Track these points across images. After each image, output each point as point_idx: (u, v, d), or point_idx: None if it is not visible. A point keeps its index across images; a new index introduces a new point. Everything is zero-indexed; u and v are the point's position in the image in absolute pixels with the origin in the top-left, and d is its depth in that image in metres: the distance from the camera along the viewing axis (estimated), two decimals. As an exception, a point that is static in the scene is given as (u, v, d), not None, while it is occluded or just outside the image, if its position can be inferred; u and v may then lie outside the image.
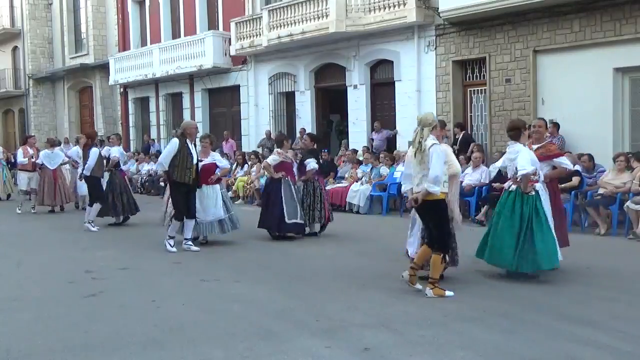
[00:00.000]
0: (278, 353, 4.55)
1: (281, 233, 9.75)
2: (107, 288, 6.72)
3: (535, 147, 7.21)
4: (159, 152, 17.77)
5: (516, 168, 6.56)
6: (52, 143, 14.78)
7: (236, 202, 15.59)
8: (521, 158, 6.54)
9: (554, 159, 7.25)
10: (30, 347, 4.79)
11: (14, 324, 5.43)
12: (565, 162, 7.35)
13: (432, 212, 6.14)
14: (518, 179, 6.57)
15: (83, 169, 11.55)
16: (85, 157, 11.48)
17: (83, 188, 12.29)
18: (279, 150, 10.03)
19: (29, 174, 14.67)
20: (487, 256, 6.79)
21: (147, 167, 19.75)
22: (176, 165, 8.76)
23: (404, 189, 6.52)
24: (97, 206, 11.33)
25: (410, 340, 4.79)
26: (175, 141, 8.86)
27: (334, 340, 4.81)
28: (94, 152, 11.44)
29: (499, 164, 7.16)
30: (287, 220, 9.58)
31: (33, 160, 14.64)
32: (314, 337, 4.90)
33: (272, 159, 9.94)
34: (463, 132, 13.88)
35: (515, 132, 6.73)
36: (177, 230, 9.04)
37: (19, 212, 14.36)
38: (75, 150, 12.77)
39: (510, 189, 6.77)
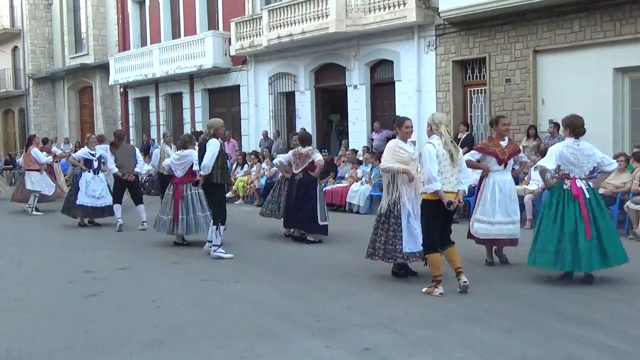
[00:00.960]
0: (278, 353, 4.56)
1: (310, 233, 9.43)
2: (107, 288, 6.72)
3: (504, 143, 7.58)
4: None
5: (598, 164, 6.57)
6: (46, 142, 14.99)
7: (236, 202, 15.61)
8: (602, 153, 6.63)
9: (519, 154, 7.92)
10: (30, 347, 4.79)
11: (14, 324, 5.43)
12: (524, 156, 8.27)
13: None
14: (603, 174, 6.75)
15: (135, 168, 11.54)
16: (126, 155, 11.31)
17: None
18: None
19: (39, 174, 14.30)
20: (612, 261, 6.42)
21: (147, 167, 19.72)
22: (218, 167, 8.40)
23: (437, 187, 5.98)
24: (143, 206, 11.42)
25: (410, 340, 4.79)
26: (216, 142, 8.41)
27: (334, 340, 4.81)
28: (138, 151, 11.70)
29: (545, 162, 6.58)
30: (319, 222, 9.32)
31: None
32: (314, 337, 4.90)
33: (285, 157, 9.80)
34: (467, 132, 13.86)
35: (583, 129, 6.61)
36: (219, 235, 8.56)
37: (40, 213, 14.11)
38: (106, 148, 12.45)
39: (593, 188, 6.61)
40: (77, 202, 11.75)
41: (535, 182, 10.90)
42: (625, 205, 9.56)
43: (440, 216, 6.12)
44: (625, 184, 9.80)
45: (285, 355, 4.51)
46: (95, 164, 11.98)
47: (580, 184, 6.49)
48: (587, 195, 6.44)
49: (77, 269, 7.77)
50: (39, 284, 7.04)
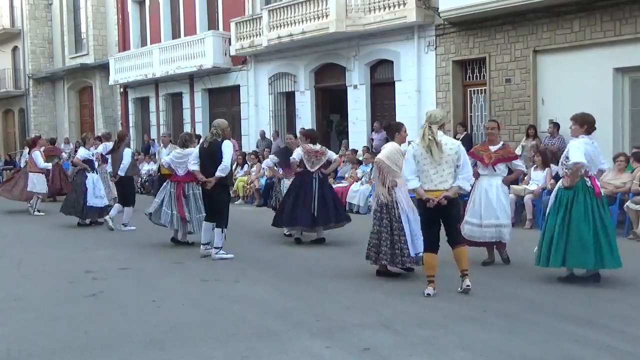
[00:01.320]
0: (278, 353, 4.56)
1: (343, 225, 9.53)
2: (107, 288, 6.72)
3: (493, 148, 7.53)
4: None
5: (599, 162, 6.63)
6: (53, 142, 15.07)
7: (236, 202, 15.60)
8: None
9: (513, 161, 7.67)
10: (30, 347, 4.79)
11: (14, 324, 5.43)
12: (520, 164, 7.87)
13: (455, 208, 6.23)
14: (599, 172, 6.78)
15: (115, 170, 11.45)
16: (118, 157, 11.32)
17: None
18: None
19: (42, 176, 14.31)
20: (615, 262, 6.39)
21: (147, 167, 19.74)
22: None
23: (412, 185, 6.16)
24: (130, 209, 11.32)
25: (410, 340, 4.79)
26: (231, 143, 8.39)
27: (334, 340, 4.81)
28: (128, 152, 11.52)
29: (579, 158, 6.34)
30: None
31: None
32: (314, 337, 4.90)
33: (297, 155, 9.47)
34: (465, 132, 13.86)
35: (595, 127, 6.65)
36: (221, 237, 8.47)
37: (42, 213, 14.05)
38: (103, 147, 12.60)
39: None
40: (88, 204, 11.83)
41: (535, 182, 10.91)
42: (625, 205, 9.56)
43: (430, 212, 6.07)
44: (625, 184, 9.80)
45: (285, 355, 4.51)
46: (96, 164, 12.09)
47: (597, 181, 6.54)
48: (603, 193, 6.52)
49: (77, 269, 7.77)
50: (39, 284, 7.04)
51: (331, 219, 9.34)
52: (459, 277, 6.15)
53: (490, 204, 7.36)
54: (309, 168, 9.27)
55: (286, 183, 10.02)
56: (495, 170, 7.47)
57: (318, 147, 9.44)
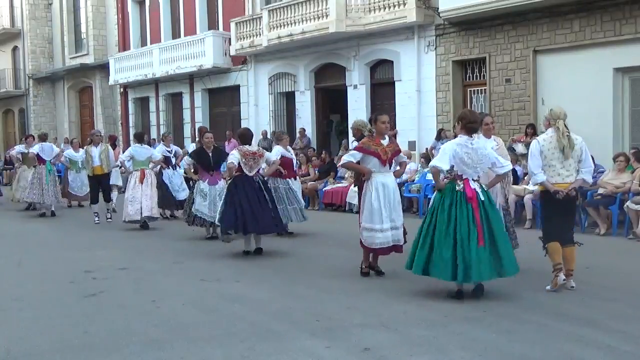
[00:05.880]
0: (278, 353, 4.55)
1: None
2: (107, 288, 6.72)
3: (385, 142, 7.05)
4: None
5: (492, 164, 6.22)
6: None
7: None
8: (496, 154, 6.62)
9: (399, 155, 7.31)
10: (30, 347, 4.79)
11: (14, 324, 5.44)
12: (405, 158, 7.86)
13: (576, 202, 6.54)
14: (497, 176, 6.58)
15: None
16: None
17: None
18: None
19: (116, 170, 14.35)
20: (507, 271, 5.96)
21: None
22: None
23: (540, 179, 6.22)
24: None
25: (410, 340, 4.79)
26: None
27: (334, 340, 4.81)
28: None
29: (438, 162, 6.00)
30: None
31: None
32: (314, 337, 4.90)
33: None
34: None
35: (477, 125, 6.25)
36: None
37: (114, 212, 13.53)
38: (161, 149, 12.73)
39: (486, 189, 6.24)
40: (177, 198, 12.38)
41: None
42: (625, 205, 9.56)
43: (556, 205, 6.25)
44: (625, 184, 9.80)
45: (285, 355, 4.51)
46: (173, 160, 12.69)
47: (474, 185, 5.96)
48: (482, 198, 5.94)
49: (77, 269, 7.77)
50: (39, 284, 7.04)
51: (271, 226, 8.76)
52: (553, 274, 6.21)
53: (388, 205, 6.87)
54: (247, 172, 8.52)
55: (202, 186, 9.82)
56: (390, 167, 7.04)
57: (255, 148, 8.95)
